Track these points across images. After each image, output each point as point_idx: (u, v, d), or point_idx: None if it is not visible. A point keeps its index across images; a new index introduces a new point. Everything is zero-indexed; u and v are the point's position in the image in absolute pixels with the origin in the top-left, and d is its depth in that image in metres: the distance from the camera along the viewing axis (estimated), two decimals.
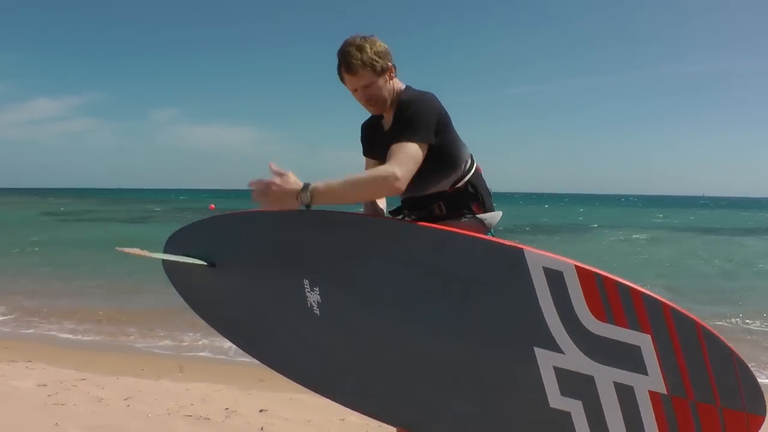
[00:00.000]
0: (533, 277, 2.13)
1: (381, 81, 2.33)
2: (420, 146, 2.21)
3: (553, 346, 2.12)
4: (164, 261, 2.72)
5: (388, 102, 2.38)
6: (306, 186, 2.10)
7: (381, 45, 2.34)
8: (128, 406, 4.47)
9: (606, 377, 2.08)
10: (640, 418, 2.06)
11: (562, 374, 2.11)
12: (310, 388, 2.54)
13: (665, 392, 2.04)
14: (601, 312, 2.08)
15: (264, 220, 2.57)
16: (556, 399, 2.12)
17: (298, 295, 2.40)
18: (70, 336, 7.73)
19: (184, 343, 7.37)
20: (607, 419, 2.09)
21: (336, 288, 2.36)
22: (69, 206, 53.30)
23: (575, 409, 2.11)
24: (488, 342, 2.19)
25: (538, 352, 2.13)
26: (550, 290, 2.12)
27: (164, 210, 49.26)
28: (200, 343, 7.33)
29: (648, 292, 2.05)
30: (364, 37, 2.33)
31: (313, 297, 2.38)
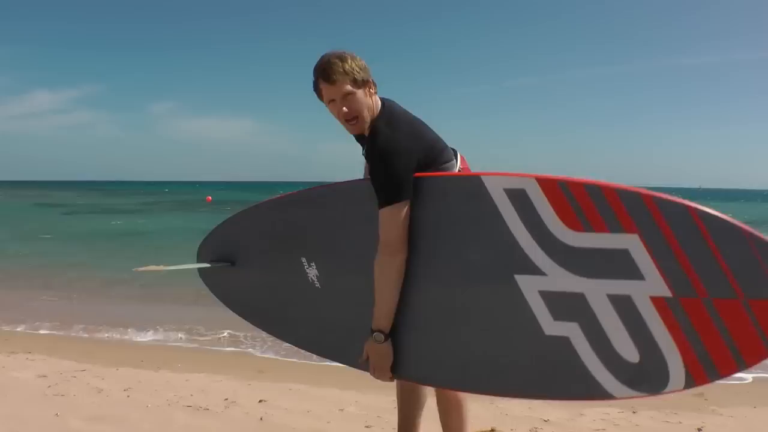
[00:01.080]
0: (496, 202, 2.03)
1: (360, 93, 2.25)
2: (402, 205, 2.16)
3: (532, 269, 1.99)
4: (199, 270, 2.90)
5: (366, 121, 2.28)
6: (373, 334, 2.25)
7: (361, 60, 2.28)
8: (128, 396, 4.49)
9: (597, 291, 1.91)
10: (647, 328, 1.85)
11: (549, 297, 1.98)
12: (329, 358, 2.63)
13: (670, 295, 1.81)
14: (575, 221, 1.91)
15: (258, 213, 2.76)
16: (550, 325, 1.99)
17: (301, 273, 2.52)
18: (71, 329, 7.74)
19: (185, 334, 7.38)
20: (609, 337, 1.91)
21: (327, 259, 2.46)
22: (69, 199, 53.32)
23: (573, 332, 1.95)
24: (467, 279, 2.13)
25: (520, 279, 2.01)
26: (517, 210, 2.00)
27: (164, 202, 49.30)
28: (201, 334, 7.34)
29: (623, 187, 1.86)
30: (343, 51, 2.27)
31: (312, 272, 2.49)
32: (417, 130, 2.29)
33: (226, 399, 4.43)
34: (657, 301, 1.82)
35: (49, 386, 4.69)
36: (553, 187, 1.94)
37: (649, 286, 1.83)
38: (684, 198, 1.83)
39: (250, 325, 2.85)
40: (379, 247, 2.18)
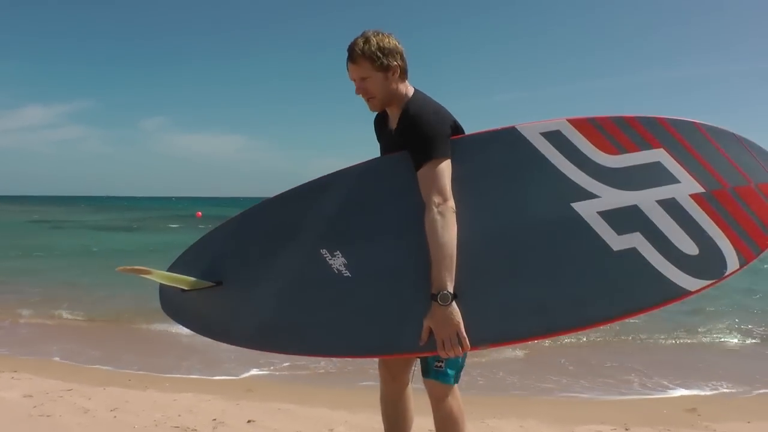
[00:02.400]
0: (536, 145, 2.25)
1: (379, 77, 2.31)
2: (444, 160, 2.18)
3: (586, 194, 2.21)
4: (163, 306, 2.62)
5: (384, 101, 2.36)
6: (435, 296, 2.09)
7: (391, 42, 2.32)
8: (115, 417, 4.41)
9: (647, 199, 2.19)
10: (696, 222, 2.17)
11: (608, 215, 2.19)
12: (377, 355, 2.48)
13: (704, 190, 2.19)
14: (610, 147, 2.23)
15: (251, 216, 2.52)
16: (616, 241, 2.18)
17: (322, 267, 2.32)
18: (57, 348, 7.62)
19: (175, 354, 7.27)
20: (669, 236, 2.17)
21: (355, 243, 2.32)
22: (59, 214, 53.01)
23: (637, 240, 2.18)
24: (527, 220, 2.23)
25: (577, 206, 2.21)
26: (558, 149, 2.24)
27: (153, 217, 49.15)
28: (190, 354, 7.25)
29: (640, 115, 2.24)
30: (378, 32, 2.33)
31: (338, 261, 2.31)
32: (446, 111, 2.37)
33: (215, 419, 4.37)
34: (696, 198, 2.19)
35: (35, 406, 4.60)
36: (584, 124, 2.25)
37: (686, 187, 2.20)
38: None
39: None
40: (429, 201, 2.14)
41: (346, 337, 2.32)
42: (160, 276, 2.48)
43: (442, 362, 2.33)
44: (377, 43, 2.29)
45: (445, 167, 2.18)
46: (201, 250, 2.57)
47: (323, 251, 2.32)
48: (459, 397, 2.40)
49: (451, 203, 2.14)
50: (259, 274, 2.42)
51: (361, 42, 2.30)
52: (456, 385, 2.39)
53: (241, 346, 2.54)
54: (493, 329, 2.19)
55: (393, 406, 2.65)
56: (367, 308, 2.29)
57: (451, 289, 2.09)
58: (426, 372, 2.38)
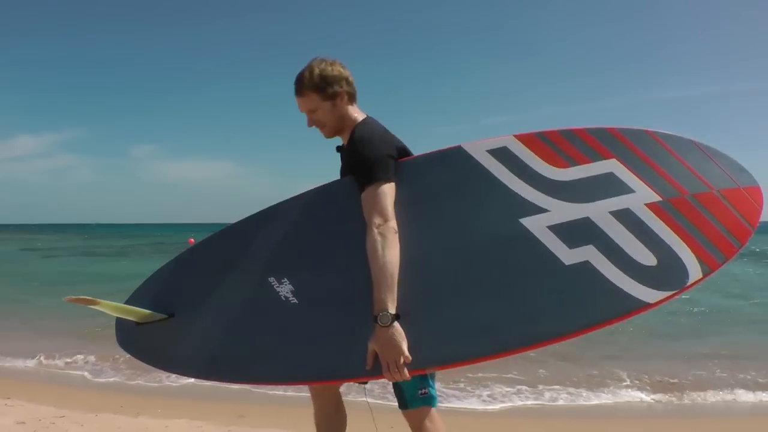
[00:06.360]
0: (482, 163, 2.23)
1: (327, 106, 2.34)
2: (386, 183, 2.17)
3: (535, 209, 2.17)
4: (119, 339, 2.49)
5: (335, 129, 2.39)
6: (377, 318, 2.04)
7: (335, 69, 2.34)
8: None
9: (599, 211, 2.14)
10: (653, 231, 2.10)
11: (559, 229, 2.14)
12: (328, 380, 2.35)
13: (660, 198, 2.13)
14: (559, 161, 2.20)
15: (202, 248, 2.50)
16: (567, 255, 2.12)
17: (270, 296, 2.29)
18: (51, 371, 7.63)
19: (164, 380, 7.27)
20: (623, 247, 2.10)
21: (302, 269, 2.29)
22: (50, 242, 52.57)
23: (590, 254, 2.10)
24: (474, 238, 2.19)
25: (526, 221, 2.16)
26: (505, 165, 2.21)
27: (144, 244, 48.77)
28: (179, 379, 7.22)
29: (589, 126, 2.21)
30: (322, 60, 2.36)
31: (285, 288, 2.28)
32: (393, 136, 2.36)
33: None
34: (652, 207, 2.12)
35: None
36: (531, 139, 2.22)
37: (641, 196, 2.13)
38: None
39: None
40: (370, 222, 2.11)
41: (291, 364, 2.25)
42: (109, 307, 2.32)
43: (426, 388, 2.25)
44: (320, 72, 2.31)
45: (387, 189, 2.16)
46: (156, 283, 2.51)
47: (271, 279, 2.30)
48: (437, 418, 2.29)
49: (393, 224, 2.11)
50: (210, 305, 2.37)
51: (306, 74, 2.32)
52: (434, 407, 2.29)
53: (193, 377, 2.54)
54: (441, 351, 2.11)
55: (327, 419, 2.64)
56: (314, 334, 2.23)
57: (392, 309, 2.03)
58: (404, 404, 2.28)
